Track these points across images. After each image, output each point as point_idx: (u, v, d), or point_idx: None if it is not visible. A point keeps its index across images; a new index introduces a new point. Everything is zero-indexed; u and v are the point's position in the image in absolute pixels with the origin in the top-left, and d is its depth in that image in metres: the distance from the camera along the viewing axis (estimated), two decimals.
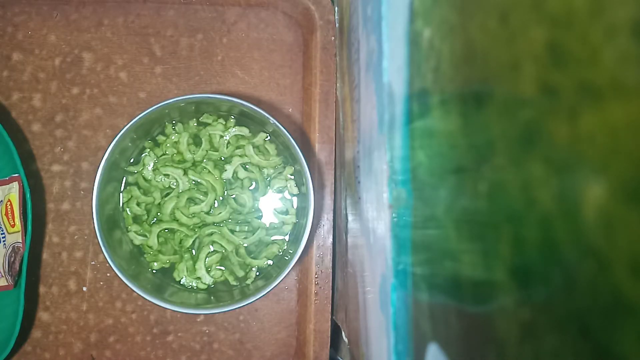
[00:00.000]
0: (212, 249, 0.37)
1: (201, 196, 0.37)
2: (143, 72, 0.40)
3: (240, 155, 0.37)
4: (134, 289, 0.33)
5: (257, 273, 0.37)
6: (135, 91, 0.40)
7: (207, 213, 0.37)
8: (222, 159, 0.38)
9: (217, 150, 0.38)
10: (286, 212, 0.38)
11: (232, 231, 0.37)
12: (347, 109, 0.35)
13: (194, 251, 0.37)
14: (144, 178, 0.37)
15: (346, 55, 0.35)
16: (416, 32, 0.19)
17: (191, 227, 0.37)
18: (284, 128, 0.34)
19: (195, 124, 0.38)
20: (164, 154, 0.38)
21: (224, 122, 0.38)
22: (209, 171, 0.37)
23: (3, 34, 0.40)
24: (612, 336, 0.09)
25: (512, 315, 0.13)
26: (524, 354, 0.12)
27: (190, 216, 0.37)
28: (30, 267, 0.38)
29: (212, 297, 0.36)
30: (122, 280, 0.33)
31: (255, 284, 0.37)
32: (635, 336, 0.09)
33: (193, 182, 0.37)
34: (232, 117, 0.38)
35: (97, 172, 0.34)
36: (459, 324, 0.16)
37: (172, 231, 0.37)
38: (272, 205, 0.38)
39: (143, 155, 0.38)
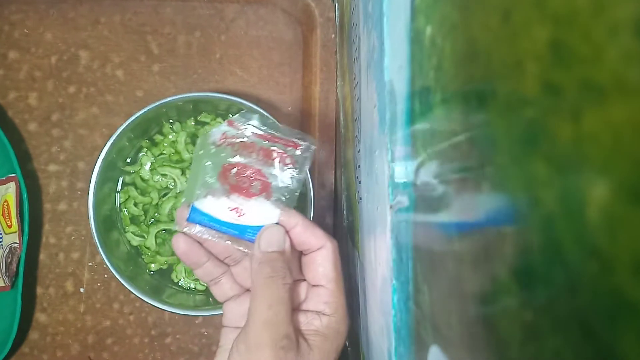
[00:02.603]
0: None
1: None
2: (140, 70, 0.40)
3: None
4: (132, 290, 0.33)
5: None
6: (132, 90, 0.40)
7: None
8: None
9: None
10: None
11: None
12: (348, 108, 0.35)
13: None
14: (142, 178, 0.37)
15: (347, 53, 0.35)
16: (418, 30, 0.19)
17: None
18: None
19: (194, 123, 0.38)
20: (161, 154, 0.37)
21: (222, 121, 0.38)
22: None
23: None
24: (615, 337, 0.09)
25: (515, 317, 0.13)
26: (527, 355, 0.12)
27: None
28: (28, 268, 0.37)
29: (210, 299, 0.36)
30: (119, 281, 0.33)
31: None
32: (638, 337, 0.08)
33: None
34: (231, 116, 0.38)
35: (93, 172, 0.34)
36: (460, 326, 0.16)
37: (170, 232, 0.37)
38: None
39: (140, 154, 0.37)
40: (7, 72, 0.40)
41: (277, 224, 0.24)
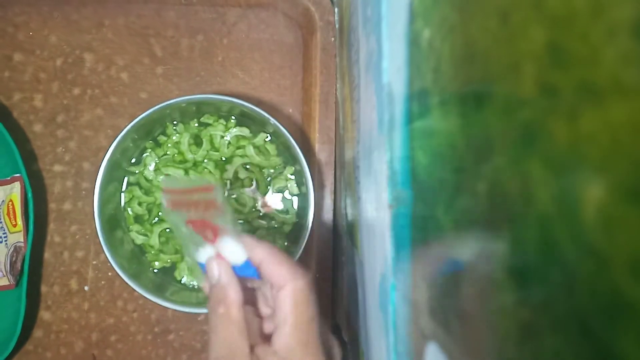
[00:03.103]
0: None
1: None
2: (144, 72, 0.40)
3: (240, 156, 0.37)
4: (135, 288, 0.33)
5: None
6: (137, 91, 0.40)
7: None
8: (223, 159, 0.38)
9: (217, 151, 0.38)
10: (286, 212, 0.38)
11: None
12: (347, 110, 0.35)
13: None
14: (145, 178, 0.37)
15: (346, 56, 0.35)
16: (416, 32, 0.19)
17: None
18: (284, 128, 0.34)
19: (196, 125, 0.38)
20: (165, 154, 0.38)
21: (224, 123, 0.38)
22: (210, 171, 0.37)
23: (4, 35, 0.40)
24: (612, 336, 0.09)
25: (512, 315, 0.13)
26: (524, 353, 0.12)
27: None
28: (32, 267, 0.38)
29: None
30: (123, 279, 0.33)
31: None
32: (636, 336, 0.09)
33: None
34: (233, 117, 0.38)
35: (98, 172, 0.34)
36: (458, 324, 0.16)
37: (173, 231, 0.37)
38: (273, 206, 0.38)
39: (144, 155, 0.38)
40: (12, 74, 0.40)
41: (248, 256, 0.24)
